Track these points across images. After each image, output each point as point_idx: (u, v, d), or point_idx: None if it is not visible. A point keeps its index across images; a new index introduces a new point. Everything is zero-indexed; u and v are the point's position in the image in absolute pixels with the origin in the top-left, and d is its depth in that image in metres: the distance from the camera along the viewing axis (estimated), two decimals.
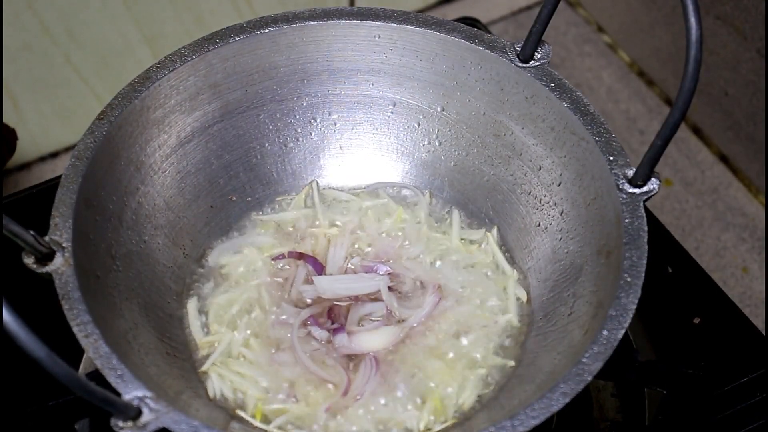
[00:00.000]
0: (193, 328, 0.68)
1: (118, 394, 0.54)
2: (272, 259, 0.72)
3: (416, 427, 0.63)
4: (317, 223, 0.74)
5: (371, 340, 0.67)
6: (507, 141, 0.72)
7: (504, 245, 0.73)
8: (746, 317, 0.77)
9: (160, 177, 0.70)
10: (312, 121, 0.76)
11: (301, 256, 0.72)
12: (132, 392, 0.54)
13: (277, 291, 0.70)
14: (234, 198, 0.75)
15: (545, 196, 0.70)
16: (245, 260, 0.72)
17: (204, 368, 0.66)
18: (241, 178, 0.75)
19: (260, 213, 0.75)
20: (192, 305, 0.69)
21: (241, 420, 0.64)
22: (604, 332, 0.56)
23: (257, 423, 0.64)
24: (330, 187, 0.77)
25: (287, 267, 0.72)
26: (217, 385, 0.65)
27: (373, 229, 0.74)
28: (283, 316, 0.69)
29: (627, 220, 0.61)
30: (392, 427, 0.63)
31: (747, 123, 0.97)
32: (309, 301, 0.70)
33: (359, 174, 0.77)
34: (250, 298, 0.70)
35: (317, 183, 0.76)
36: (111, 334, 0.58)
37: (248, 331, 0.68)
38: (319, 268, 0.71)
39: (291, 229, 0.74)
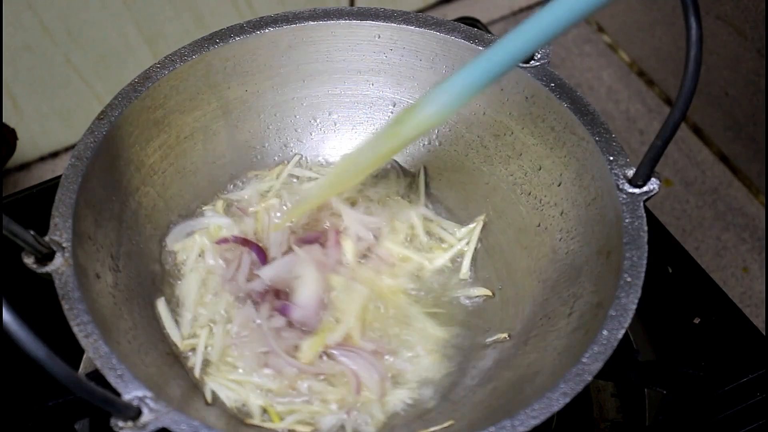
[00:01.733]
0: (168, 329, 0.67)
1: (118, 394, 0.54)
2: (216, 242, 0.71)
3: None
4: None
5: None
6: (507, 141, 0.72)
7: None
8: (746, 317, 0.77)
9: (160, 177, 0.70)
10: (312, 121, 0.76)
11: (245, 242, 0.71)
12: (132, 392, 0.54)
13: (225, 276, 0.70)
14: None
15: (545, 196, 0.70)
16: (195, 246, 0.71)
17: (197, 375, 0.65)
18: (240, 179, 0.75)
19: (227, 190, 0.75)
20: (161, 305, 0.68)
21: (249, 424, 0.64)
22: (604, 332, 0.56)
23: (272, 425, 0.63)
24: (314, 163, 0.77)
25: (232, 250, 0.71)
26: (222, 395, 0.64)
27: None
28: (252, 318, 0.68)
29: (627, 220, 0.61)
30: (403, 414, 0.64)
31: (747, 123, 0.97)
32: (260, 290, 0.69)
33: None
34: (210, 291, 0.69)
35: (301, 157, 0.76)
36: (111, 334, 0.58)
37: (226, 339, 0.67)
38: (263, 256, 0.70)
39: (246, 207, 0.74)
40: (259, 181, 0.75)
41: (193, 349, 0.66)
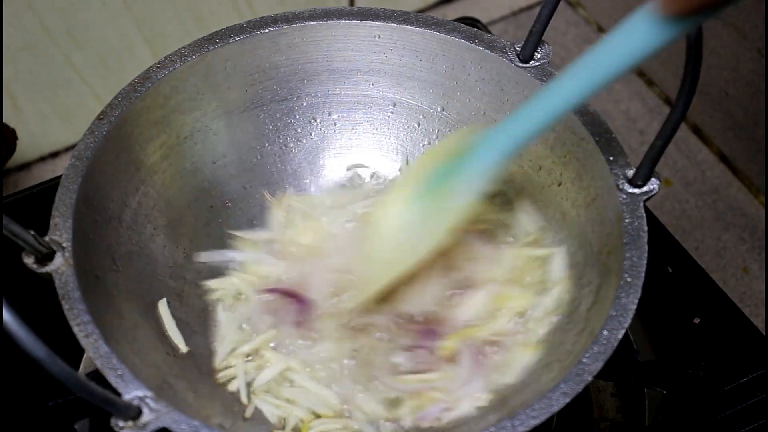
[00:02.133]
0: (170, 332, 0.66)
1: (118, 394, 0.54)
2: (264, 291, 0.70)
3: None
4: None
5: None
6: None
7: None
8: (746, 317, 0.77)
9: (160, 177, 0.70)
10: (312, 121, 0.76)
11: (289, 294, 0.69)
12: (132, 392, 0.54)
13: (269, 319, 0.69)
14: (229, 203, 0.74)
15: (545, 196, 0.70)
16: (233, 287, 0.70)
17: (243, 400, 0.64)
18: (241, 179, 0.75)
19: (248, 219, 0.74)
20: (163, 306, 0.67)
21: None
22: (604, 332, 0.56)
23: None
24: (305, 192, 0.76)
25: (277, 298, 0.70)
26: (266, 410, 0.64)
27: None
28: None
29: (627, 220, 0.61)
30: None
31: (747, 123, 0.97)
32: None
33: (359, 174, 0.77)
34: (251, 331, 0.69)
35: (291, 190, 0.75)
36: (111, 334, 0.58)
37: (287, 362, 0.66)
38: (308, 307, 0.69)
39: (277, 246, 0.73)
40: (274, 217, 0.74)
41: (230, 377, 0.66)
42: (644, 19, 0.50)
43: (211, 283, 0.71)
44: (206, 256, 0.71)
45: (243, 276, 0.71)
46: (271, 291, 0.70)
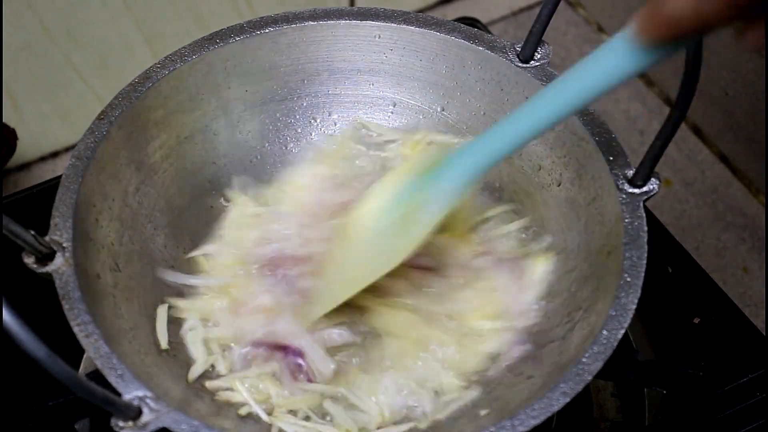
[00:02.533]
0: (160, 336, 0.65)
1: (118, 394, 0.54)
2: (251, 345, 0.65)
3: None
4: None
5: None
6: None
7: None
8: (746, 317, 0.77)
9: (160, 177, 0.70)
10: (312, 121, 0.76)
11: (277, 347, 0.65)
12: (132, 392, 0.54)
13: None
14: (229, 203, 0.74)
15: (545, 196, 0.70)
16: (201, 309, 0.67)
17: (265, 419, 0.62)
18: (241, 179, 0.75)
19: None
20: (162, 312, 0.66)
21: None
22: (604, 332, 0.56)
23: None
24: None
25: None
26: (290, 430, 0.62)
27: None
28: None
29: (627, 220, 0.61)
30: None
31: (747, 123, 0.97)
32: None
33: None
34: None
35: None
36: (111, 334, 0.58)
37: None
38: (301, 358, 0.65)
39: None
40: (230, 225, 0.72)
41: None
42: (621, 45, 0.49)
43: (179, 303, 0.67)
44: (171, 276, 0.68)
45: (213, 299, 0.68)
46: (256, 346, 0.66)
